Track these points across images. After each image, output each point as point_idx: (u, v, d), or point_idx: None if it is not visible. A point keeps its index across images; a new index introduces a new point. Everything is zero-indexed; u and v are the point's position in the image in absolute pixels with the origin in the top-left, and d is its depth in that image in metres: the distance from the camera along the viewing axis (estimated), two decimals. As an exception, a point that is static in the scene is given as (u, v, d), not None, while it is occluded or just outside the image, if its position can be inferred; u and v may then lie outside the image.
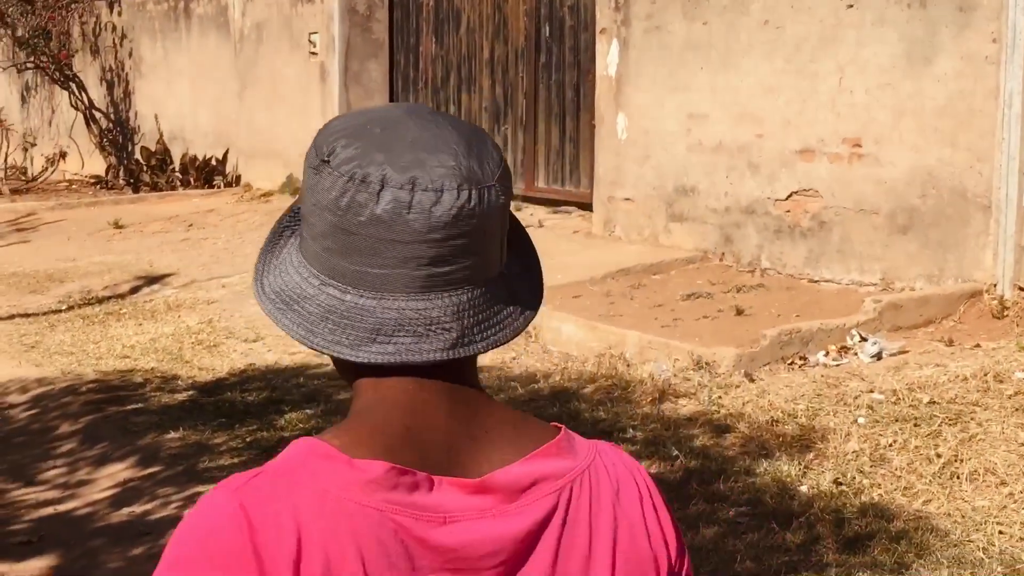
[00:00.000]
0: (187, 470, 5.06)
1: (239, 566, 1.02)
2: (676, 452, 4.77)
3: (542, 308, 1.25)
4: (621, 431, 5.08)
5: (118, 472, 5.18)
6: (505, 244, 1.15)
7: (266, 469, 1.08)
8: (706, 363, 5.84)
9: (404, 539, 1.05)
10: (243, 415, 5.68)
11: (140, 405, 6.00)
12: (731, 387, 5.55)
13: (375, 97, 11.52)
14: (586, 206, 9.29)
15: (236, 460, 5.06)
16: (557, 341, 6.66)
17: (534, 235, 1.31)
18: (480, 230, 1.09)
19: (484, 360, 6.51)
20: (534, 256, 1.21)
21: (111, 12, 14.93)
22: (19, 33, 15.01)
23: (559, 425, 1.15)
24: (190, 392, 6.18)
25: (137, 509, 4.75)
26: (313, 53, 11.72)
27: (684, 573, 1.17)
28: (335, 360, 1.13)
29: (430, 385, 1.10)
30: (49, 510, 4.83)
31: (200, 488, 4.71)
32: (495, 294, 1.12)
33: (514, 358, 6.50)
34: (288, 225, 1.19)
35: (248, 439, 5.37)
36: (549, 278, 6.88)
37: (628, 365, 6.05)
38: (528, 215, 9.68)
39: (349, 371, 1.13)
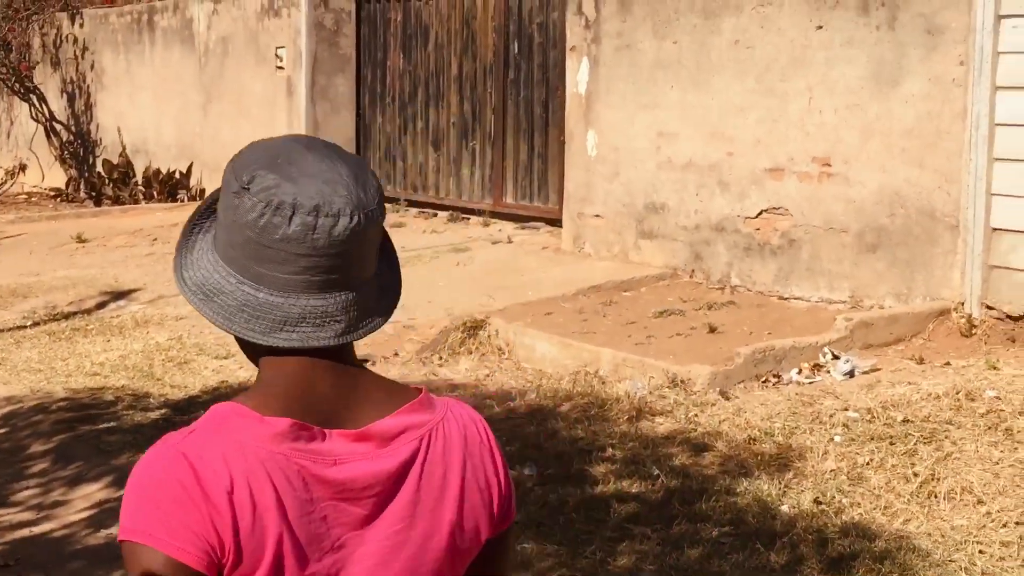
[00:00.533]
0: (164, 491, 5.00)
1: (189, 495, 1.32)
2: (656, 471, 4.79)
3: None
4: (600, 449, 5.09)
5: (93, 492, 5.12)
6: (377, 251, 1.45)
7: (197, 427, 1.37)
8: (681, 381, 5.88)
9: (305, 476, 1.36)
10: (218, 434, 5.63)
11: (113, 424, 5.94)
12: (707, 405, 5.59)
13: (342, 112, 11.50)
14: (554, 222, 9.31)
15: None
16: (531, 358, 6.68)
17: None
18: (364, 243, 1.39)
19: (459, 378, 6.51)
20: (395, 257, 1.52)
21: (72, 24, 14.80)
22: (-22, 44, 14.85)
23: (420, 387, 1.47)
24: (163, 410, 6.12)
25: (115, 531, 4.69)
26: (280, 67, 11.68)
27: (511, 498, 1.52)
28: (242, 342, 1.42)
29: (320, 363, 1.40)
30: (24, 532, 4.77)
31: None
32: (371, 291, 1.43)
33: (488, 375, 6.51)
34: (198, 223, 1.46)
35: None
36: (520, 294, 6.81)
37: (603, 383, 6.07)
38: (496, 230, 9.69)
39: (256, 351, 1.42)
